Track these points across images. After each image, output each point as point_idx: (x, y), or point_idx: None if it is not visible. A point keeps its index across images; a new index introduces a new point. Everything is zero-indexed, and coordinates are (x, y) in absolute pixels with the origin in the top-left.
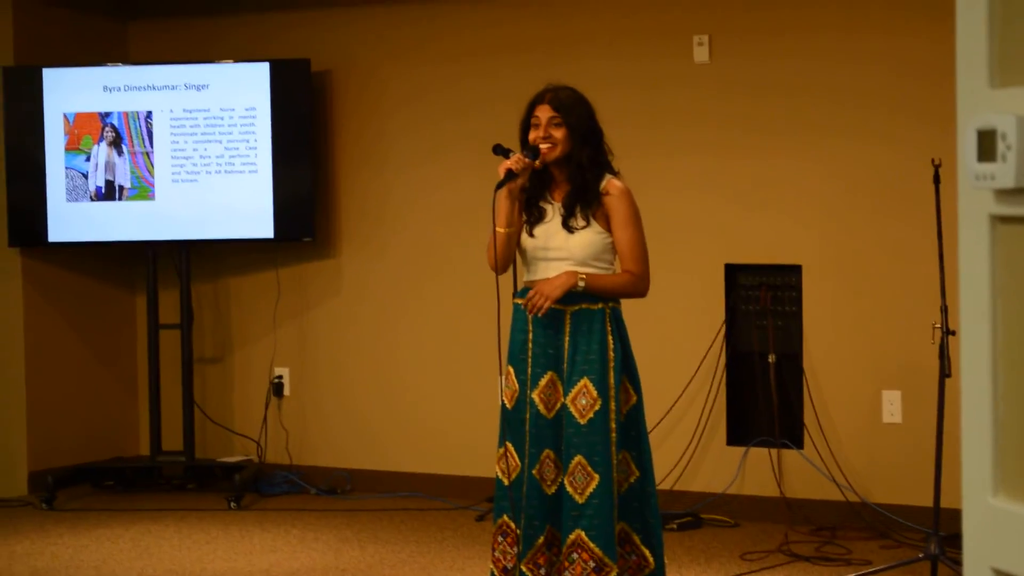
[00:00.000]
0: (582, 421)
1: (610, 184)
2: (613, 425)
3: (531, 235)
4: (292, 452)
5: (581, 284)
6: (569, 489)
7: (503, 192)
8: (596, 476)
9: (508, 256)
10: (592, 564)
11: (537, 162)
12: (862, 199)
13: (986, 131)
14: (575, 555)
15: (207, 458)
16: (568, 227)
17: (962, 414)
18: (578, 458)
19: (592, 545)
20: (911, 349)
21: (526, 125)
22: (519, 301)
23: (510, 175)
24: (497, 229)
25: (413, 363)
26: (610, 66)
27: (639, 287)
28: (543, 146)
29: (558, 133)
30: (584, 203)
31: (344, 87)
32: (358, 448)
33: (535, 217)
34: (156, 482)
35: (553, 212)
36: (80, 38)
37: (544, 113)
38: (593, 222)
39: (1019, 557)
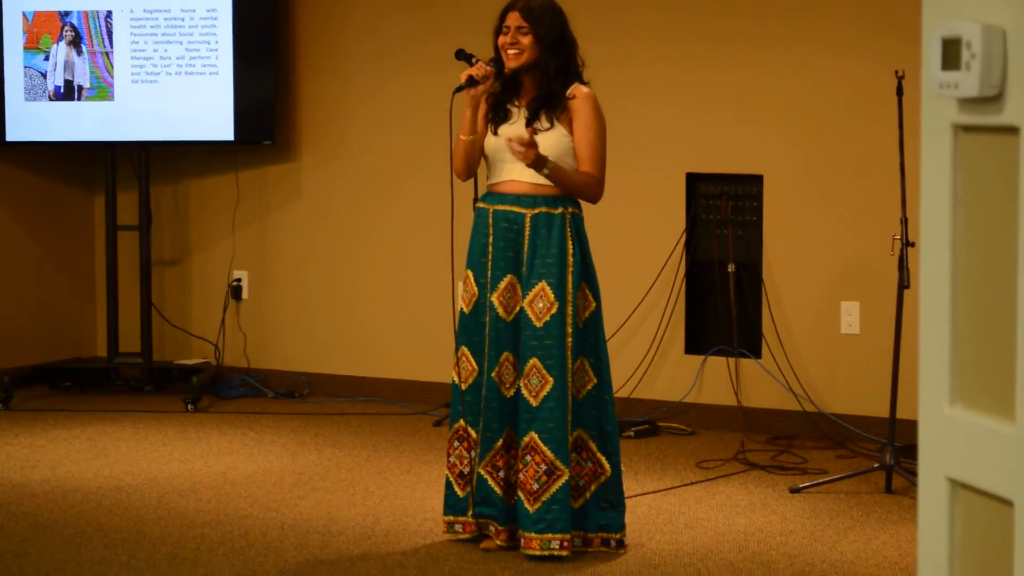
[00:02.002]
0: (538, 324)
1: (577, 89)
2: (569, 330)
3: (495, 134)
4: (250, 355)
5: (546, 171)
6: (524, 392)
7: (465, 99)
8: (550, 380)
9: (471, 163)
10: (544, 467)
11: (506, 70)
12: (824, 110)
13: (951, 39)
14: (528, 457)
15: (165, 360)
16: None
17: (920, 324)
18: (533, 360)
19: (544, 448)
20: (870, 260)
21: (498, 31)
22: (482, 205)
23: (471, 81)
24: (460, 136)
25: (372, 268)
26: None
27: (595, 191)
28: (510, 51)
29: (525, 40)
30: (549, 107)
31: None
32: (316, 352)
33: (500, 118)
34: (113, 383)
35: (518, 114)
36: None
37: (513, 20)
38: (558, 124)
39: (974, 466)
